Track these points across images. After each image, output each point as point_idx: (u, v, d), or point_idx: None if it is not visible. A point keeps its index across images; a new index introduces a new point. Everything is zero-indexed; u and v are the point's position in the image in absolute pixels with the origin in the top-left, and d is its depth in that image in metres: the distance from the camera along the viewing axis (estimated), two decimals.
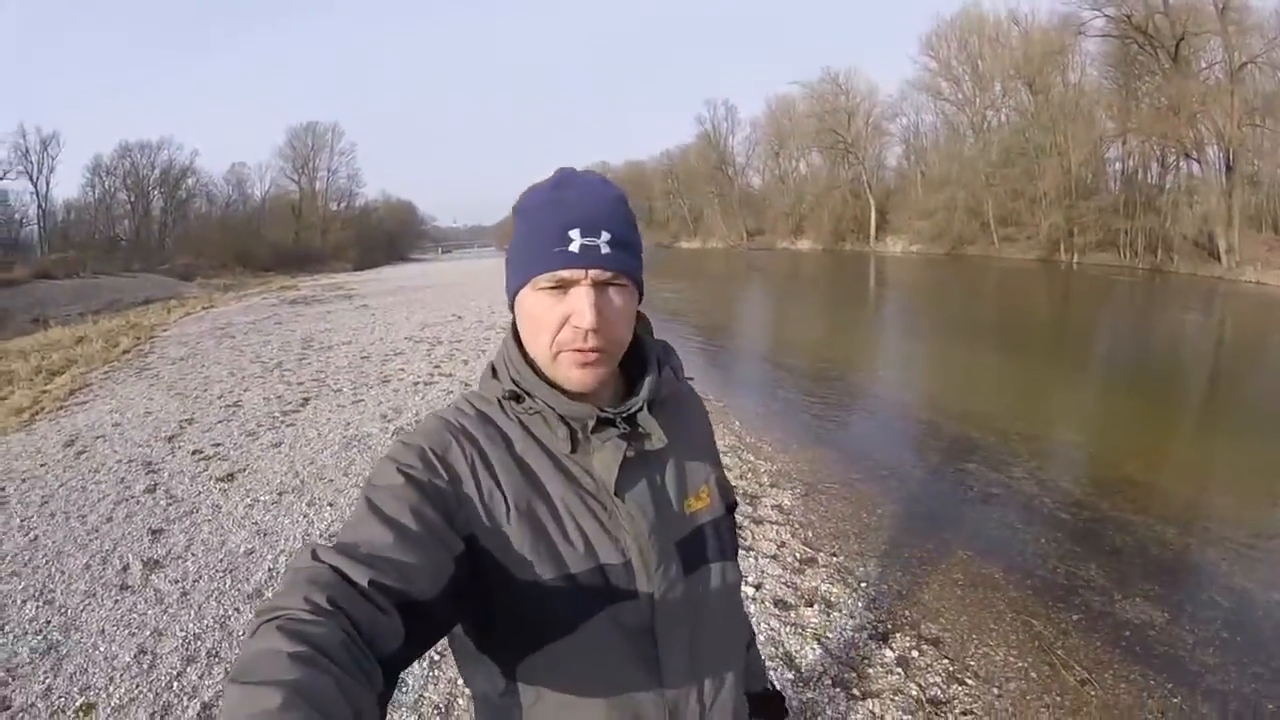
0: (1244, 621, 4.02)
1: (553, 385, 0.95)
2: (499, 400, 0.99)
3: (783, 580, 4.10)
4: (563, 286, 0.91)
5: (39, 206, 49.06)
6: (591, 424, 0.94)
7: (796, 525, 4.88)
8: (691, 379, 1.20)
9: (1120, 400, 9.55)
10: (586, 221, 0.92)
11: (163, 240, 53.55)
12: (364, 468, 6.32)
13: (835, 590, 4.01)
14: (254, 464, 6.67)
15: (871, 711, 3.09)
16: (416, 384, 9.79)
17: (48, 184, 49.46)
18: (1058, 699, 3.29)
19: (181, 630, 3.90)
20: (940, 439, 7.57)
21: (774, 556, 4.39)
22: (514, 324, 1.01)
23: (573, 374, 0.93)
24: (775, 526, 4.81)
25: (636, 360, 1.04)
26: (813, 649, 3.50)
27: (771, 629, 3.63)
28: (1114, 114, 41.92)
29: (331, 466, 6.44)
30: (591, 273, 0.91)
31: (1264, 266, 31.65)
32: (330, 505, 5.52)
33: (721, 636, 1.07)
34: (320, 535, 5.01)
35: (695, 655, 0.99)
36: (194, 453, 7.05)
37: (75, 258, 40.00)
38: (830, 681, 3.29)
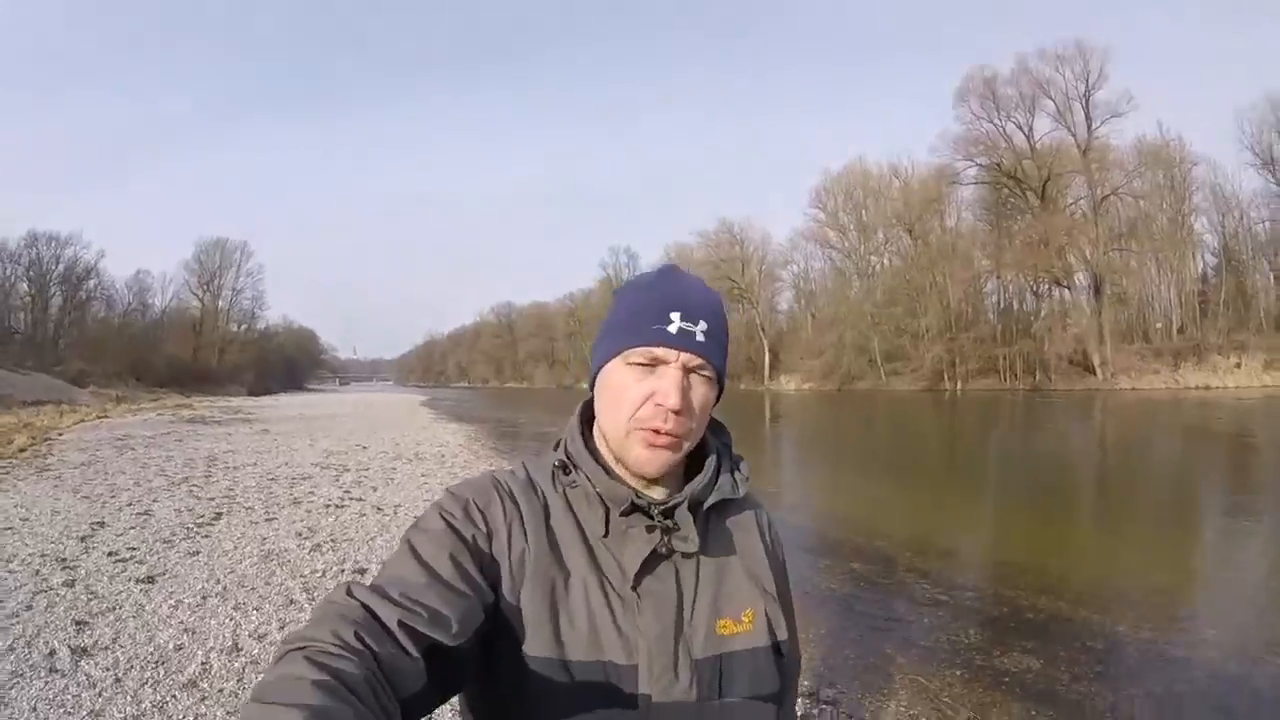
0: (1116, 657, 5.02)
1: (600, 463, 0.96)
2: (551, 469, 0.99)
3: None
4: (653, 364, 0.93)
5: None
6: (625, 507, 0.93)
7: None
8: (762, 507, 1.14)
9: (1006, 504, 10.96)
10: (688, 307, 0.94)
11: (57, 340, 51.45)
12: (284, 579, 6.51)
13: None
14: (173, 569, 6.74)
15: None
16: (328, 506, 9.96)
17: None
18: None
19: (120, 712, 4.03)
20: (829, 548, 8.48)
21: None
22: (586, 401, 1.04)
23: (643, 453, 0.93)
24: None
25: (698, 462, 1.02)
26: None
27: None
28: (989, 252, 46.62)
29: (252, 575, 6.60)
30: (684, 356, 0.93)
31: (1136, 374, 34.98)
32: (256, 610, 5.69)
33: None
34: (248, 635, 5.20)
35: None
36: (109, 554, 7.07)
37: None
38: None
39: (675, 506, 0.95)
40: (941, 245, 49.28)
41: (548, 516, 0.95)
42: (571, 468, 0.98)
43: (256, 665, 4.68)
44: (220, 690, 4.28)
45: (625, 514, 0.94)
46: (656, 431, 0.92)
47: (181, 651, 4.88)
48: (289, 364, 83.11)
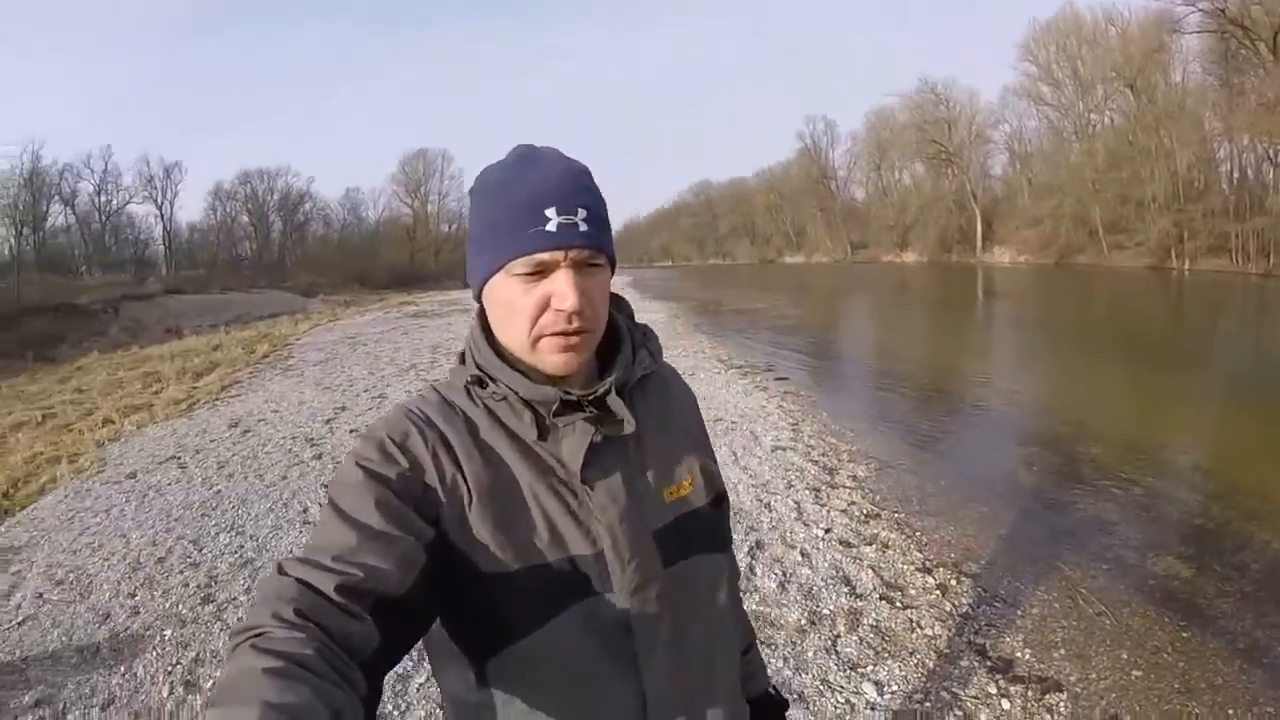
0: None
1: (517, 370, 0.92)
2: (466, 386, 0.96)
3: (849, 528, 4.76)
4: (542, 270, 0.88)
5: (164, 228, 54.34)
6: (555, 407, 0.91)
7: (867, 490, 5.51)
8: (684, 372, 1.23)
9: (1239, 414, 9.30)
10: (561, 198, 0.89)
11: (283, 260, 57.51)
12: None
13: (893, 536, 4.64)
14: None
15: (910, 619, 3.73)
16: None
17: (171, 207, 55.25)
18: (1073, 624, 3.74)
19: None
20: (1021, 433, 7.97)
21: (844, 510, 5.06)
22: (480, 311, 0.99)
23: (556, 359, 0.91)
24: (848, 490, 5.47)
25: (610, 343, 1.00)
26: (867, 574, 4.15)
27: (834, 559, 4.33)
28: (1220, 113, 39.78)
29: None
30: (571, 253, 0.88)
31: None
32: None
33: (710, 634, 1.03)
34: None
35: (679, 653, 0.96)
36: (351, 430, 8.07)
37: (203, 275, 43.32)
38: (878, 597, 3.95)
39: (605, 394, 0.93)
40: (1167, 103, 42.15)
41: (474, 433, 0.92)
42: (487, 380, 0.93)
43: None
44: None
45: (559, 414, 0.91)
46: (564, 334, 0.88)
47: None
48: None
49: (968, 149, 59.51)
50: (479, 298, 0.96)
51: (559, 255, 0.87)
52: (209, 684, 3.16)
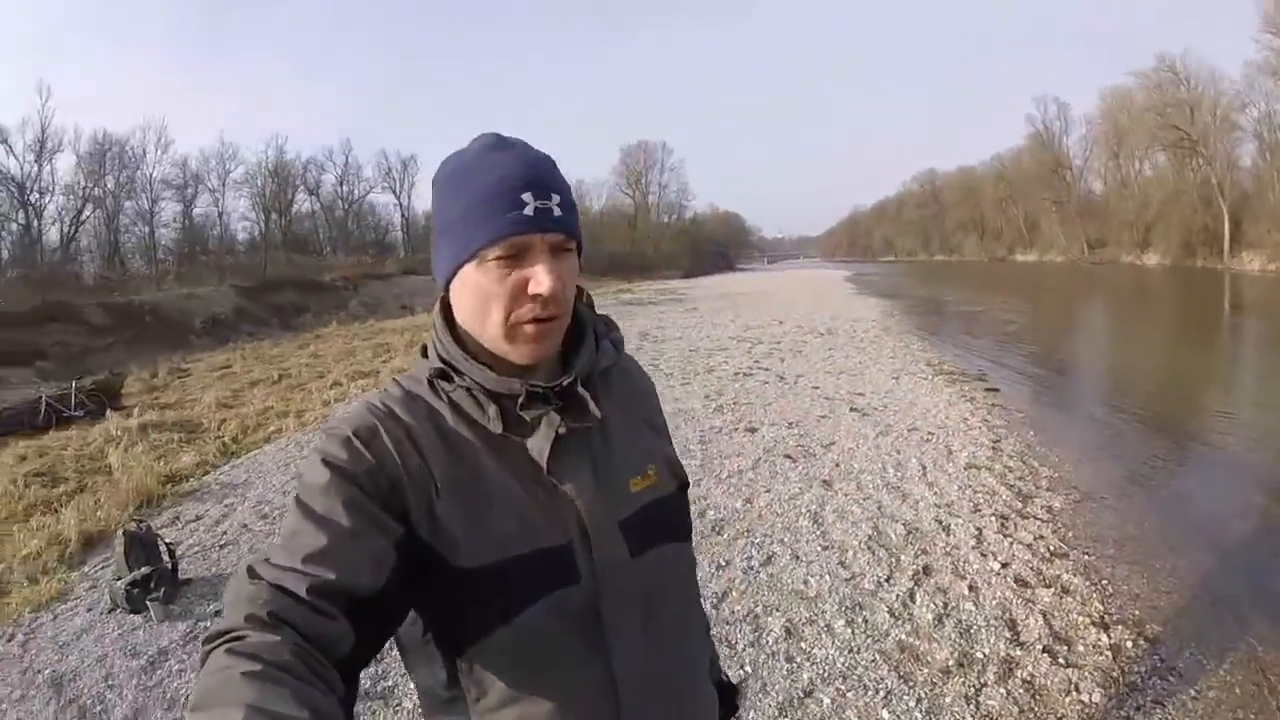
0: None
1: (480, 362, 0.93)
2: (428, 380, 0.96)
3: (1030, 565, 4.39)
4: (518, 254, 0.88)
5: (401, 216, 59.94)
6: (521, 400, 0.91)
7: (1060, 524, 5.04)
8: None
9: None
10: (537, 183, 0.89)
11: None
12: (686, 433, 7.48)
13: (1075, 581, 4.20)
14: None
15: (1069, 679, 3.35)
16: (736, 374, 10.92)
17: (409, 197, 60.68)
18: (1251, 717, 3.23)
19: None
20: (1255, 480, 6.66)
21: (1029, 544, 4.66)
22: (442, 301, 0.99)
23: (529, 348, 0.92)
24: (1038, 522, 5.04)
25: (572, 334, 1.01)
26: (1036, 620, 3.81)
27: (1004, 598, 4.00)
28: None
29: None
30: (548, 237, 0.89)
31: None
32: None
33: (679, 621, 1.06)
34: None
35: (650, 641, 0.97)
36: None
37: None
38: (1041, 648, 3.57)
39: (571, 385, 0.95)
40: None
41: (439, 427, 0.93)
42: (451, 373, 0.94)
43: None
44: None
45: (524, 406, 0.92)
46: (538, 321, 0.89)
47: None
48: (718, 247, 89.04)
49: (1213, 136, 50.88)
50: (445, 289, 0.96)
51: (536, 239, 0.88)
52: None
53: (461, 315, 0.95)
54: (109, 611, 4.43)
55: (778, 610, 3.92)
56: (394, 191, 59.73)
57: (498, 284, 0.88)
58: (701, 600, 1.29)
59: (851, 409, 8.19)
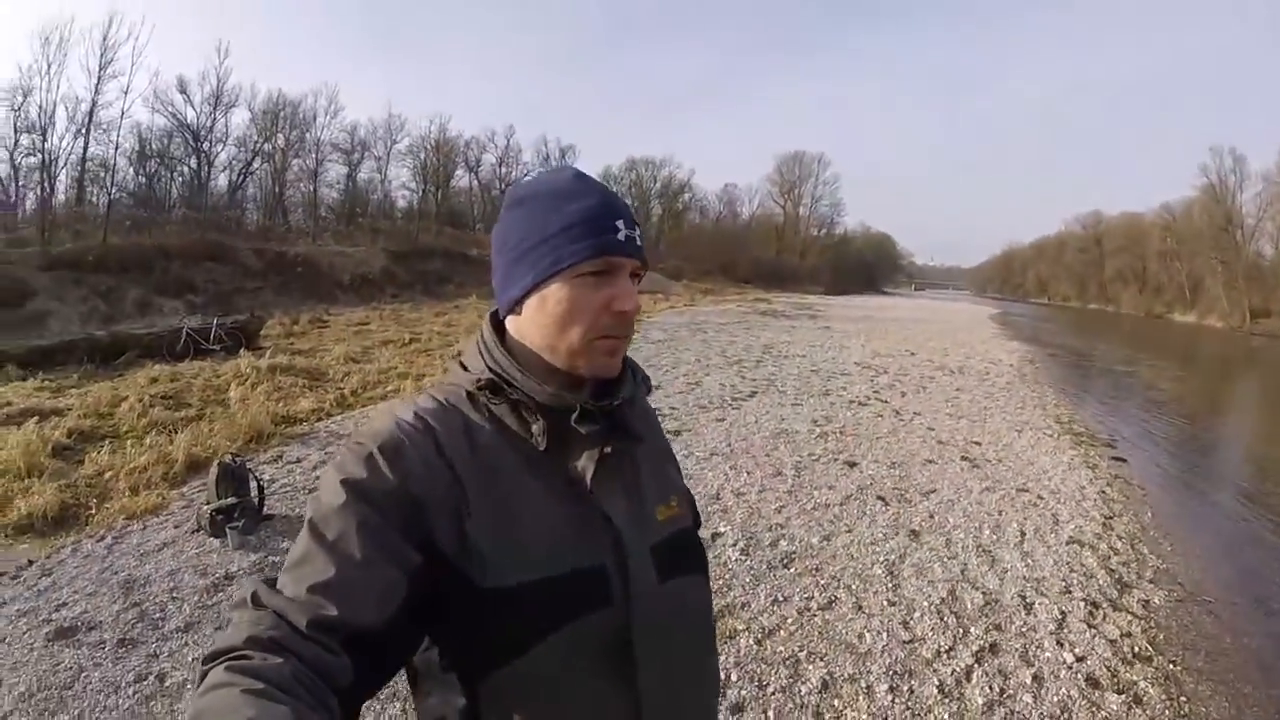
0: None
1: (529, 375, 0.95)
2: (468, 392, 0.97)
3: (1107, 664, 3.95)
4: (606, 273, 0.94)
5: None
6: (575, 415, 0.94)
7: (1153, 623, 4.53)
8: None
9: None
10: (626, 215, 0.97)
11: (658, 243, 62.31)
12: (784, 455, 7.30)
13: (1151, 692, 3.75)
14: (698, 428, 8.20)
15: None
16: (852, 402, 10.57)
17: None
18: None
19: None
20: None
21: (1113, 640, 4.21)
22: (494, 315, 1.04)
23: (605, 360, 0.96)
24: (1131, 617, 4.53)
25: None
26: None
27: (1067, 698, 3.60)
28: None
29: (758, 446, 7.57)
30: (633, 262, 0.96)
31: None
32: (746, 473, 6.62)
33: (699, 651, 1.06)
34: (730, 490, 6.09)
35: (673, 669, 0.97)
36: (655, 410, 8.68)
37: None
38: None
39: (618, 407, 0.99)
40: None
41: (475, 441, 0.92)
42: (503, 385, 0.95)
43: (725, 513, 5.51)
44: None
45: (578, 421, 0.94)
46: (615, 337, 0.95)
47: None
48: (866, 267, 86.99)
49: None
50: (518, 302, 0.97)
51: (626, 261, 0.95)
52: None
53: (532, 328, 0.97)
54: (193, 532, 4.80)
55: (822, 660, 3.71)
56: None
57: (587, 297, 0.93)
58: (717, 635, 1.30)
59: (963, 457, 7.76)
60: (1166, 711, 3.61)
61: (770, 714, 3.26)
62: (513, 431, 0.94)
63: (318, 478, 5.91)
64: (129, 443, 6.46)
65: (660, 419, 5.86)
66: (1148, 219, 79.97)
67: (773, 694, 3.39)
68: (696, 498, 5.21)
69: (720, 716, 3.00)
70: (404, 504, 0.84)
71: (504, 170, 56.85)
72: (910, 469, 7.16)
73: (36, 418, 6.96)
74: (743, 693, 3.38)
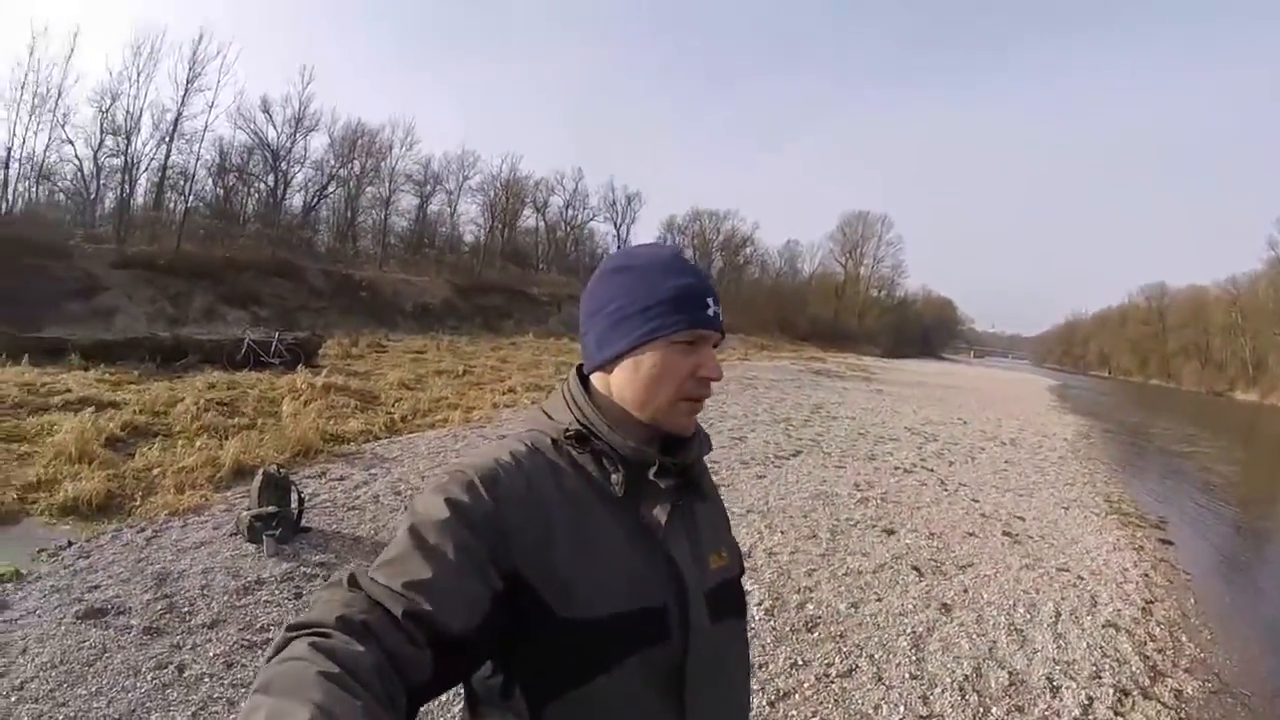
0: None
1: (614, 429, 1.05)
2: (553, 440, 1.06)
3: None
4: (695, 343, 1.06)
5: (618, 246, 61.12)
6: (654, 469, 1.04)
7: (1182, 715, 4.33)
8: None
9: None
10: (715, 294, 1.10)
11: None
12: (821, 518, 7.21)
13: None
14: (737, 484, 8.15)
15: None
16: (897, 468, 10.40)
17: (628, 230, 63.34)
18: None
19: None
20: None
21: None
22: (579, 370, 1.15)
23: (685, 420, 1.08)
24: (1160, 707, 4.32)
25: None
26: None
27: None
28: None
29: (795, 507, 7.50)
30: (715, 336, 1.09)
31: None
32: (781, 532, 6.56)
33: (738, 688, 1.17)
34: (762, 550, 6.05)
35: (718, 706, 1.07)
36: None
37: None
38: None
39: (693, 463, 1.11)
40: None
41: (560, 484, 1.01)
42: (590, 435, 1.05)
43: (754, 572, 5.44)
44: None
45: (657, 475, 1.04)
46: (696, 399, 1.07)
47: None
48: (925, 331, 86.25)
49: None
50: (612, 361, 1.08)
51: (713, 335, 1.08)
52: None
53: (624, 386, 1.07)
54: (231, 535, 4.95)
55: None
56: (614, 223, 62.59)
57: (678, 364, 1.04)
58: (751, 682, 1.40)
59: (1005, 532, 7.54)
60: None
61: None
62: (592, 477, 1.03)
63: (358, 497, 6.06)
64: (180, 443, 6.72)
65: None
66: (1213, 293, 77.29)
67: None
68: None
69: None
70: (497, 531, 0.91)
71: (570, 213, 58.24)
72: (949, 540, 7.00)
73: (94, 408, 7.29)
74: None
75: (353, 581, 0.84)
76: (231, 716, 3.08)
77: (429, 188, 46.90)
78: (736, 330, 46.31)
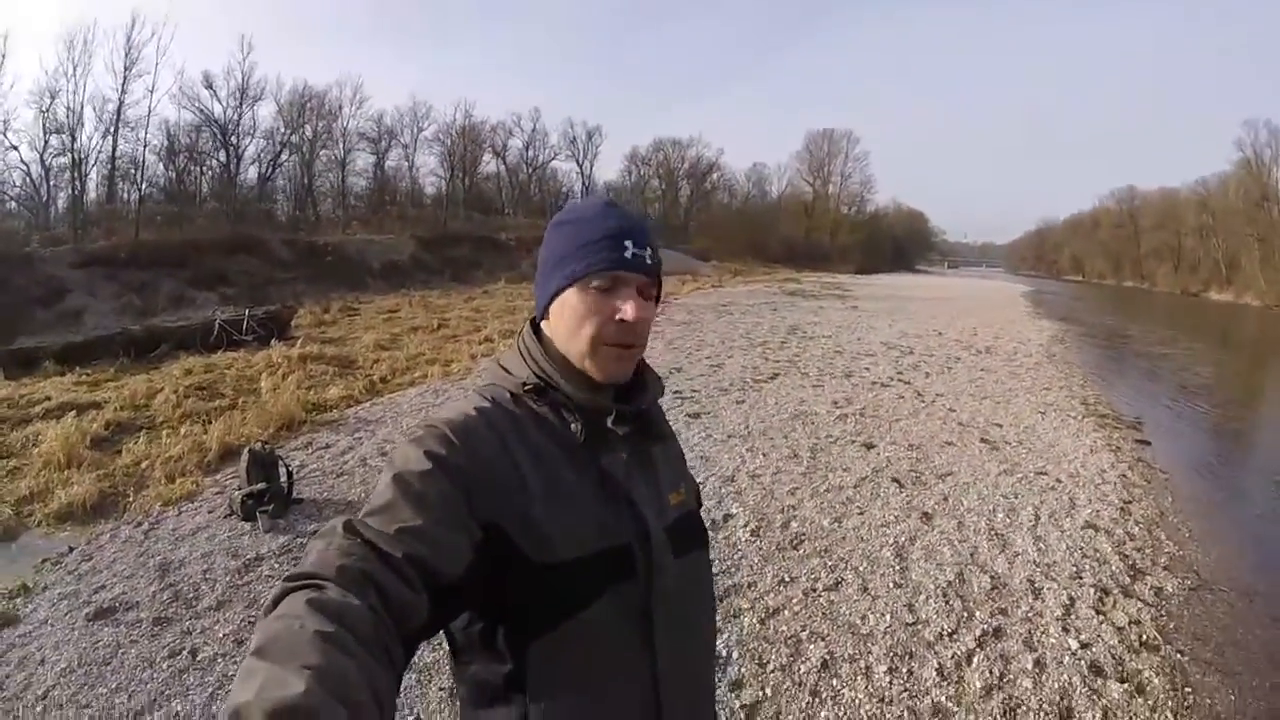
0: None
1: (568, 380, 1.09)
2: (511, 393, 1.10)
3: (1112, 651, 3.93)
4: (613, 286, 1.07)
5: (583, 185, 61.22)
6: (612, 417, 1.10)
7: (1163, 611, 4.48)
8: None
9: None
10: (637, 236, 1.10)
11: (686, 224, 62.19)
12: (801, 437, 7.41)
13: (1155, 682, 3.70)
14: (718, 411, 8.34)
15: None
16: (874, 383, 10.62)
17: (591, 166, 61.88)
18: None
19: None
20: None
21: (1120, 628, 4.16)
22: (533, 323, 1.18)
23: (611, 366, 1.08)
24: (1140, 604, 4.48)
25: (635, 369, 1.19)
26: (1094, 718, 3.39)
27: (1067, 685, 3.58)
28: None
29: (776, 428, 7.69)
30: (638, 278, 1.09)
31: None
32: (763, 455, 6.75)
33: (706, 620, 1.24)
34: (745, 473, 6.23)
35: (685, 636, 1.12)
36: (675, 393, 8.93)
37: None
38: None
39: (646, 409, 1.17)
40: None
41: (525, 435, 1.05)
42: (546, 387, 1.09)
43: (739, 495, 5.63)
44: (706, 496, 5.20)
45: (615, 422, 1.10)
46: (620, 345, 1.07)
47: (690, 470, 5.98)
48: (897, 245, 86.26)
49: None
50: (545, 308, 1.13)
51: (629, 276, 1.07)
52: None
53: (556, 334, 1.11)
54: (225, 517, 5.04)
55: (823, 640, 3.80)
56: (577, 160, 61.44)
57: (593, 307, 1.06)
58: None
59: (982, 439, 7.76)
60: (1169, 702, 3.58)
61: (768, 690, 3.37)
62: (553, 427, 1.07)
63: (346, 463, 6.16)
64: (164, 432, 6.74)
65: (681, 402, 6.11)
66: (1183, 194, 77.06)
67: (772, 671, 3.51)
68: (712, 479, 5.38)
69: (719, 692, 3.17)
70: (472, 481, 0.95)
71: (530, 154, 57.11)
72: (928, 451, 7.23)
73: (74, 411, 7.24)
74: (743, 670, 3.51)
75: (349, 528, 0.86)
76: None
77: (384, 144, 45.79)
78: (709, 257, 46.28)
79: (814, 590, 4.32)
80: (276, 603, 0.75)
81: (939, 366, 12.51)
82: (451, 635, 1.05)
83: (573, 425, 1.07)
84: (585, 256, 1.08)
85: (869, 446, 7.25)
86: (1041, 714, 3.34)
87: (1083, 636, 4.03)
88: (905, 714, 3.27)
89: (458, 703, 1.15)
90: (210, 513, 5.14)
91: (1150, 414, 10.90)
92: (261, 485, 5.13)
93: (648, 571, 1.05)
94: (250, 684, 0.61)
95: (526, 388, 1.09)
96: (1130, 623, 4.25)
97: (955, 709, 3.33)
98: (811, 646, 3.73)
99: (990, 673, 3.59)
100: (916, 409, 9.07)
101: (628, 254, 1.07)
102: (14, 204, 30.92)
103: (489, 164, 55.06)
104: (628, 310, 1.06)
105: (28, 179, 30.58)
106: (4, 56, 27.37)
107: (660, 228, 53.57)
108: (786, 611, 4.06)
